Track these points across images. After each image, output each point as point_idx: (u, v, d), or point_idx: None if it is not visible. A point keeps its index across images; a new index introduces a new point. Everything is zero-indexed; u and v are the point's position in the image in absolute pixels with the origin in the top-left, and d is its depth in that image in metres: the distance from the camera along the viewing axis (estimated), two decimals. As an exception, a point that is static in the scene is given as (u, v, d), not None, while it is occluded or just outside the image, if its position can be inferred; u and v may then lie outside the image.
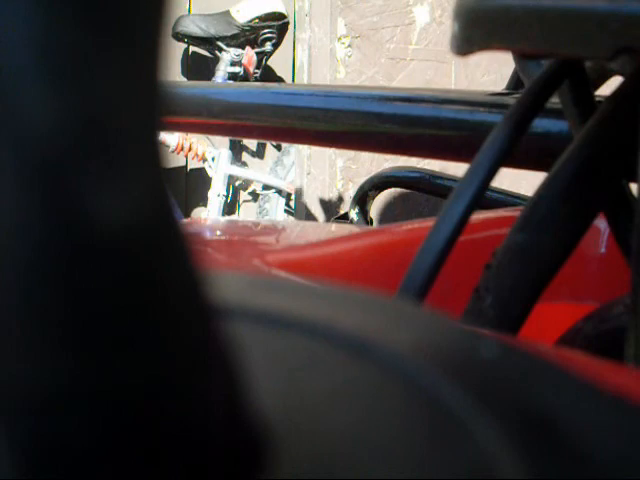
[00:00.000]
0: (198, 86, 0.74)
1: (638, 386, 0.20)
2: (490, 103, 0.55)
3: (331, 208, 2.15)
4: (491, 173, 0.39)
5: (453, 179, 0.87)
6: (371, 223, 0.97)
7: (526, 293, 0.38)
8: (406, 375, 0.17)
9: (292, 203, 2.69)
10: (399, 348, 0.18)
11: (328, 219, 2.14)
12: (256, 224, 0.88)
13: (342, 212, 1.02)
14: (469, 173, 0.39)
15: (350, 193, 2.10)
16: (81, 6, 0.10)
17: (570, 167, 0.38)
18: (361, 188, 0.95)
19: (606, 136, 0.38)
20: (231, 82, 2.59)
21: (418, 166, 0.98)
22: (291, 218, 2.65)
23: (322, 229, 0.85)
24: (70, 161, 0.11)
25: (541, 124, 0.52)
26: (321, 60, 2.18)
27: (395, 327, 0.19)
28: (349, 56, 2.13)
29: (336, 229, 0.78)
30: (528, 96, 0.38)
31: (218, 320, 0.13)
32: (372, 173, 1.92)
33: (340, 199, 2.14)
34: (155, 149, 0.12)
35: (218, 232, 0.68)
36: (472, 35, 0.33)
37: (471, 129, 0.55)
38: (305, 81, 2.23)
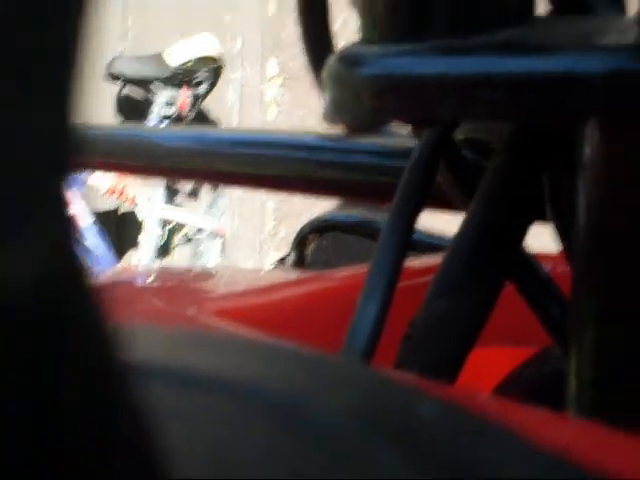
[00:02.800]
0: (134, 129, 0.73)
1: (578, 441, 0.20)
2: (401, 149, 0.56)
3: (263, 250, 2.14)
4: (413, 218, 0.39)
5: None
6: (310, 267, 0.97)
7: (452, 360, 0.39)
8: (339, 440, 0.16)
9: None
10: (333, 410, 0.17)
11: (261, 261, 2.13)
12: (190, 270, 0.88)
13: (281, 256, 1.02)
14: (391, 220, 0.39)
15: (282, 234, 2.10)
16: None
17: (467, 239, 0.38)
18: (300, 232, 0.95)
19: (492, 209, 0.38)
20: (167, 125, 2.58)
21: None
22: (225, 260, 2.63)
23: (259, 275, 0.85)
24: None
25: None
26: (252, 101, 2.19)
27: (330, 386, 0.18)
28: (280, 97, 2.14)
29: (273, 275, 0.77)
30: (408, 189, 0.38)
31: (129, 379, 0.13)
32: (303, 214, 1.92)
33: (271, 240, 2.14)
34: (60, 201, 0.11)
35: (150, 280, 0.67)
36: (385, 105, 0.32)
37: (387, 173, 0.55)
38: (236, 122, 2.24)
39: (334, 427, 0.16)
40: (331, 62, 0.34)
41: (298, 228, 0.99)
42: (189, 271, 0.85)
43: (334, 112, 0.33)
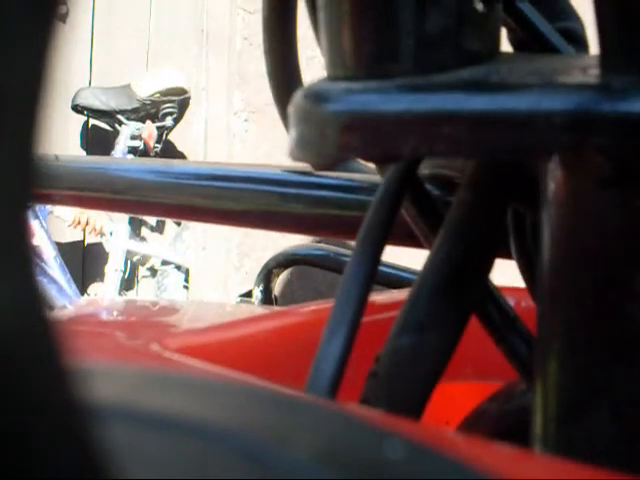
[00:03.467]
0: (98, 161, 0.73)
1: (544, 477, 0.20)
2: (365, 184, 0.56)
3: (227, 284, 2.13)
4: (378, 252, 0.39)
5: None
6: (275, 301, 0.97)
7: (417, 396, 0.39)
8: None
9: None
10: (297, 452, 0.17)
11: (225, 295, 2.12)
12: (155, 304, 0.87)
13: (246, 290, 1.01)
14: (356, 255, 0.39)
15: (246, 268, 2.10)
16: None
17: (432, 274, 0.39)
18: (265, 266, 0.95)
19: (456, 244, 0.39)
20: (132, 158, 2.57)
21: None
22: (190, 294, 2.62)
23: (225, 310, 0.84)
24: None
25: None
26: (218, 134, 2.19)
27: (295, 428, 0.18)
28: (245, 130, 2.14)
29: (238, 310, 0.77)
30: (373, 224, 0.39)
31: (91, 421, 0.12)
32: (268, 248, 1.92)
33: (236, 274, 2.13)
34: (22, 235, 0.11)
35: (114, 313, 0.67)
36: (351, 141, 0.33)
37: (352, 209, 0.56)
38: (201, 155, 2.24)
39: (301, 473, 0.16)
40: (297, 98, 0.34)
41: (263, 262, 0.99)
42: (154, 305, 0.84)
43: (299, 148, 0.33)
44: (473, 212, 0.39)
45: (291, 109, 0.34)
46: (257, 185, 0.59)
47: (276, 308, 0.72)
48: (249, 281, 1.91)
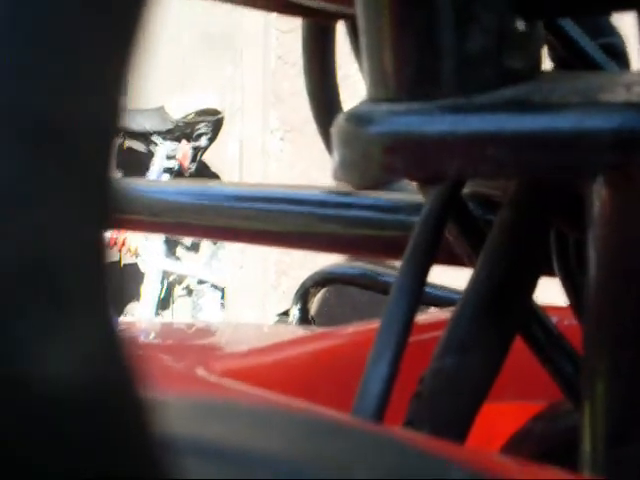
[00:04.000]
0: (136, 184, 0.74)
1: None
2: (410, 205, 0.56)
3: (264, 302, 2.14)
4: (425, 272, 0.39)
5: (395, 275, 0.87)
6: (313, 321, 0.97)
7: (462, 418, 0.39)
8: None
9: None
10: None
11: (262, 313, 2.13)
12: (192, 326, 0.87)
13: (283, 309, 1.01)
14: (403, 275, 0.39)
15: (283, 287, 2.10)
16: (19, 131, 0.10)
17: (475, 294, 0.38)
18: (302, 285, 0.95)
19: (499, 264, 0.39)
20: (170, 180, 2.59)
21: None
22: (226, 313, 2.63)
23: (264, 331, 0.84)
24: (6, 309, 0.10)
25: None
26: (253, 153, 2.20)
27: (358, 458, 0.18)
28: (281, 150, 2.15)
29: (279, 331, 0.76)
30: (419, 245, 0.38)
31: (167, 458, 0.12)
32: (305, 266, 1.92)
33: (273, 293, 2.13)
34: (105, 290, 0.11)
35: (154, 336, 0.67)
36: (394, 163, 0.33)
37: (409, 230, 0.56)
38: (237, 174, 2.25)
39: None
40: (340, 120, 0.34)
41: (300, 281, 0.99)
42: (191, 327, 0.84)
43: (343, 170, 0.33)
44: (515, 231, 0.39)
45: (334, 131, 0.34)
46: (296, 206, 0.59)
47: (317, 329, 0.72)
48: (286, 300, 1.92)
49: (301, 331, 0.75)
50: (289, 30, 2.05)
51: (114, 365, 0.11)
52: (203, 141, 2.77)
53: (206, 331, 0.76)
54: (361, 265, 0.91)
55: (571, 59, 0.41)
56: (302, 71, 0.48)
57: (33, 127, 0.10)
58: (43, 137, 0.10)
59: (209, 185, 0.68)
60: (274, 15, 0.45)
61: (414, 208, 0.54)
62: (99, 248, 0.11)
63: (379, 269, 0.90)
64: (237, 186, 0.67)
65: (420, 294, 0.37)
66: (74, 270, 0.10)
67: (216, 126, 2.77)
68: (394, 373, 0.36)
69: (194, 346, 0.63)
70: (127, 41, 0.11)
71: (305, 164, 2.12)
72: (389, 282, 0.88)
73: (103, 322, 0.11)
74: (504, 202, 0.40)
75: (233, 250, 2.21)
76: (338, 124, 0.34)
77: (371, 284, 0.90)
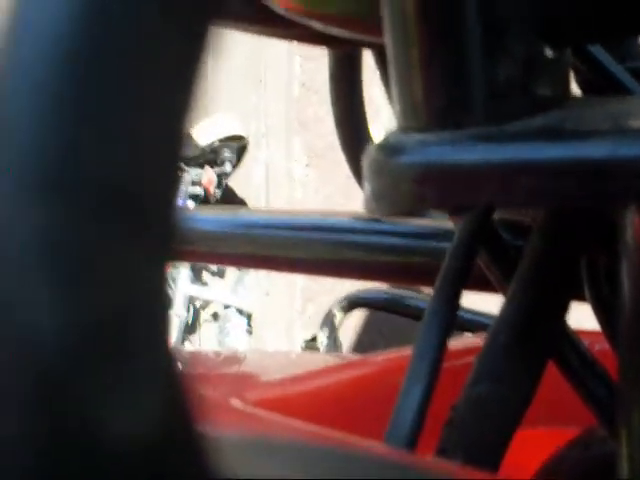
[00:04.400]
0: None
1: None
2: (441, 231, 0.57)
3: (291, 328, 2.13)
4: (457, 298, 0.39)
5: (425, 300, 0.87)
6: (340, 347, 0.97)
7: (495, 445, 0.39)
8: None
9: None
10: None
11: (288, 339, 2.12)
12: (219, 354, 0.87)
13: (310, 335, 1.01)
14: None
15: (309, 313, 2.10)
16: (92, 200, 0.10)
17: (507, 321, 0.38)
18: (330, 311, 0.95)
19: (531, 290, 0.39)
20: (198, 207, 2.60)
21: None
22: (252, 338, 2.63)
23: (295, 359, 0.84)
24: (77, 369, 0.10)
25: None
26: (279, 179, 2.21)
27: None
28: (306, 175, 2.16)
29: (309, 359, 0.76)
30: (450, 272, 0.38)
31: None
32: (332, 292, 1.92)
33: (299, 319, 2.13)
34: (169, 350, 0.11)
35: (182, 366, 0.67)
36: (426, 193, 0.33)
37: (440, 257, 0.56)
38: (262, 200, 2.25)
39: None
40: (370, 151, 0.34)
41: (326, 307, 0.99)
42: (219, 355, 0.84)
43: (375, 200, 0.34)
44: (546, 258, 0.39)
45: (365, 161, 0.34)
46: (326, 233, 0.59)
47: (347, 356, 0.72)
48: (313, 325, 1.92)
49: (331, 359, 0.75)
50: (312, 57, 2.07)
51: (180, 414, 0.11)
52: (227, 167, 2.78)
53: (235, 359, 0.76)
54: (388, 290, 0.91)
55: (599, 83, 0.41)
56: (326, 98, 0.49)
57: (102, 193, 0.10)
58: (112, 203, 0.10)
59: (239, 213, 0.68)
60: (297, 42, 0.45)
61: (442, 234, 0.54)
62: (163, 297, 0.11)
63: (406, 294, 0.90)
64: (267, 214, 0.67)
65: (453, 320, 0.38)
66: (142, 321, 0.10)
67: (240, 152, 2.78)
68: (427, 401, 0.36)
69: (226, 375, 0.63)
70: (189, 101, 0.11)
71: (330, 189, 2.12)
72: (416, 306, 0.88)
73: (168, 371, 0.11)
74: (534, 228, 0.40)
75: (259, 276, 2.21)
76: (369, 154, 0.34)
77: (398, 309, 0.90)
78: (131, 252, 0.10)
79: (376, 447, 0.20)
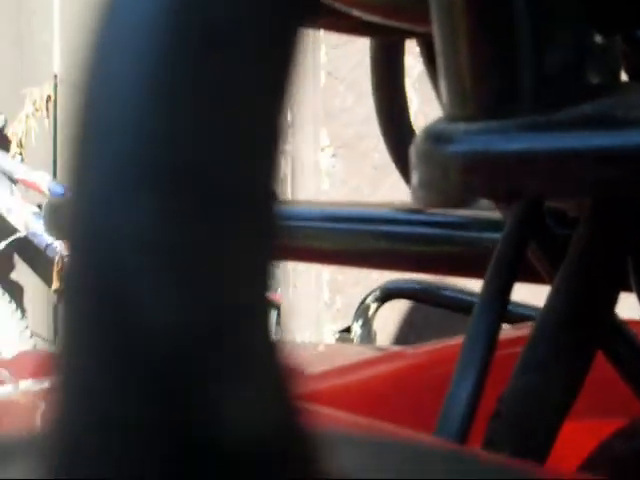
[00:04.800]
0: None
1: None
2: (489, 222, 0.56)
3: (319, 321, 2.13)
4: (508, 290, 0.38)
5: (459, 290, 0.87)
6: (374, 338, 0.97)
7: (542, 437, 0.38)
8: None
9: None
10: None
11: (317, 332, 2.12)
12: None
13: (340, 327, 1.01)
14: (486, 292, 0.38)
15: (337, 305, 2.09)
16: (207, 200, 0.10)
17: (554, 311, 0.38)
18: (363, 301, 0.95)
19: (579, 280, 0.38)
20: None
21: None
22: (282, 331, 2.61)
23: (335, 350, 0.84)
24: (196, 371, 0.10)
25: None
26: (305, 171, 2.21)
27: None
28: (333, 166, 2.15)
29: (348, 350, 0.76)
30: (501, 263, 0.38)
31: None
32: (359, 283, 1.92)
33: (327, 311, 2.13)
34: (277, 347, 0.11)
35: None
36: (474, 182, 0.33)
37: (477, 247, 0.55)
38: (289, 192, 2.25)
39: None
40: (418, 140, 0.34)
41: (355, 298, 0.99)
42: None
43: (423, 190, 0.33)
44: (594, 248, 0.39)
45: (412, 150, 0.34)
46: (357, 224, 0.59)
47: (386, 347, 0.71)
48: (341, 318, 1.91)
49: (371, 350, 0.74)
50: (339, 45, 2.06)
51: (293, 412, 0.11)
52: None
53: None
54: (421, 281, 0.91)
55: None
56: (353, 87, 0.48)
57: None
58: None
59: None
60: (322, 30, 0.45)
61: (484, 225, 0.54)
62: (267, 303, 0.11)
63: (440, 284, 0.89)
64: (307, 205, 0.67)
65: (503, 312, 0.37)
66: (253, 320, 0.10)
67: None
68: (478, 393, 0.36)
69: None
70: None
71: (357, 180, 2.12)
72: (450, 297, 0.87)
73: (279, 368, 0.11)
74: (582, 217, 0.39)
75: (287, 269, 2.22)
76: (416, 144, 0.34)
77: (432, 299, 0.90)
78: (242, 250, 0.10)
79: (435, 441, 0.20)
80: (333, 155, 2.13)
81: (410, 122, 0.50)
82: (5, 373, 0.67)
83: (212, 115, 0.10)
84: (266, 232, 0.11)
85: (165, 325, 0.10)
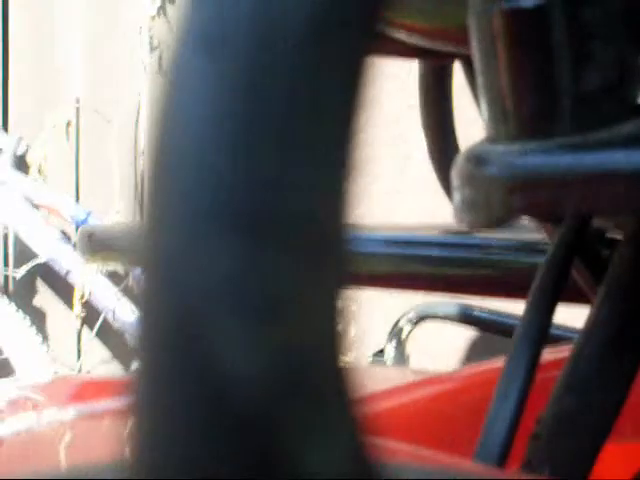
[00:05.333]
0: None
1: None
2: (530, 245, 0.56)
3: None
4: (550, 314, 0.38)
5: (491, 312, 0.87)
6: (407, 360, 0.96)
7: (582, 459, 0.38)
8: None
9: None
10: None
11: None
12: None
13: (379, 349, 1.01)
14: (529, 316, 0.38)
15: (352, 334, 2.08)
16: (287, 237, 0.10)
17: (595, 331, 0.38)
18: (397, 323, 0.95)
19: (620, 299, 0.38)
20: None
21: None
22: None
23: (372, 374, 0.84)
24: (276, 412, 0.10)
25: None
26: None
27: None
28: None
29: (385, 374, 0.76)
30: (545, 284, 0.38)
31: None
32: (373, 312, 1.90)
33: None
34: (352, 384, 0.11)
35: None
36: (516, 203, 0.33)
37: (518, 269, 0.55)
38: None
39: None
40: (459, 161, 0.34)
41: (369, 328, 0.99)
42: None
43: (465, 211, 0.33)
44: (636, 267, 0.38)
45: (454, 171, 0.34)
46: (397, 247, 0.59)
47: (422, 371, 0.71)
48: (356, 346, 1.90)
49: (409, 374, 0.74)
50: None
51: (365, 454, 0.11)
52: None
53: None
54: (455, 302, 0.90)
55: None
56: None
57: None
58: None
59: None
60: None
61: (526, 247, 0.54)
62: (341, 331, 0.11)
63: (474, 306, 0.89)
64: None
65: (546, 334, 0.37)
66: (329, 357, 0.10)
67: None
68: (519, 415, 0.36)
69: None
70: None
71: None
72: (483, 318, 0.87)
73: (354, 408, 0.11)
74: (624, 235, 0.39)
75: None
76: (458, 164, 0.34)
77: (466, 320, 0.90)
78: (319, 284, 0.10)
79: (485, 469, 0.20)
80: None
81: (457, 143, 0.50)
82: (40, 398, 0.68)
83: (295, 163, 0.10)
84: (339, 266, 0.11)
85: (248, 366, 0.10)
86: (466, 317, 0.90)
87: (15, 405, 0.58)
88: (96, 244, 0.86)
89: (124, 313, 2.33)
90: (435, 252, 0.57)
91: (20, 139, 2.65)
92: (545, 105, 0.33)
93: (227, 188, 0.10)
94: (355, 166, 0.11)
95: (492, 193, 0.32)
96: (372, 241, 0.61)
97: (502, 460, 0.35)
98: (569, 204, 0.32)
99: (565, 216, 0.37)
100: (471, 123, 0.52)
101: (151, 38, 2.42)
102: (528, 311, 0.37)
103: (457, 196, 0.34)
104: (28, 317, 2.50)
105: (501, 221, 0.33)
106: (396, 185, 2.12)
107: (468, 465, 0.20)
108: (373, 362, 1.04)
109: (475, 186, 0.33)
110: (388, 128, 2.02)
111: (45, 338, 2.56)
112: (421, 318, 0.95)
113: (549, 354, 0.58)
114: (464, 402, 0.53)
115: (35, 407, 0.57)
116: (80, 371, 2.62)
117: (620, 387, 0.38)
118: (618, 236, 0.40)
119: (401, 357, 0.95)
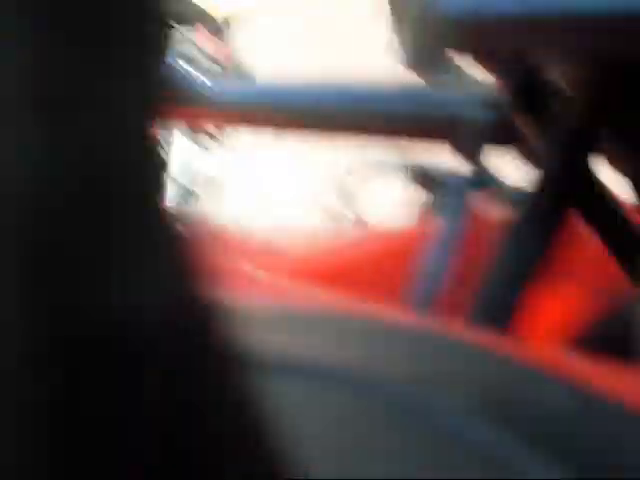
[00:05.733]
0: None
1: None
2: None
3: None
4: None
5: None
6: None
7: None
8: (473, 443, 0.15)
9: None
10: (459, 407, 0.16)
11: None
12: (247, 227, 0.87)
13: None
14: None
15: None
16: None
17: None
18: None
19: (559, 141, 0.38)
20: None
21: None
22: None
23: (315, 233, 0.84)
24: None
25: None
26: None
27: (452, 370, 0.17)
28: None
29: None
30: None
31: (250, 378, 0.12)
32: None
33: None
34: (166, 216, 0.10)
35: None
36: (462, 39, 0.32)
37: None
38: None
39: (463, 427, 0.15)
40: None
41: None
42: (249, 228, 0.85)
43: (407, 51, 0.33)
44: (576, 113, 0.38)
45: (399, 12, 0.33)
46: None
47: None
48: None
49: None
50: None
51: (187, 282, 0.10)
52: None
53: (257, 233, 0.76)
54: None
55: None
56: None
57: None
58: None
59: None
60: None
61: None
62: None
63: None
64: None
65: (482, 180, 0.37)
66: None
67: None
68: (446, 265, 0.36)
69: (251, 248, 0.63)
70: None
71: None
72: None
73: (166, 237, 0.10)
74: (566, 90, 0.39)
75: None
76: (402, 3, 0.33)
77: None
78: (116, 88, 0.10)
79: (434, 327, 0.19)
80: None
81: None
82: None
83: None
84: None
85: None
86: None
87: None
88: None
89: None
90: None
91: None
92: None
93: None
94: None
95: (430, 27, 0.32)
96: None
97: (429, 306, 0.36)
98: (511, 43, 0.31)
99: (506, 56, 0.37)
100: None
101: None
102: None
103: (400, 35, 0.33)
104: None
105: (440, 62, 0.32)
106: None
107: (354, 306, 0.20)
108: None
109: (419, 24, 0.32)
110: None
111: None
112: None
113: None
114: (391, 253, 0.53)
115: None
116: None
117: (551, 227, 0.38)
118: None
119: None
